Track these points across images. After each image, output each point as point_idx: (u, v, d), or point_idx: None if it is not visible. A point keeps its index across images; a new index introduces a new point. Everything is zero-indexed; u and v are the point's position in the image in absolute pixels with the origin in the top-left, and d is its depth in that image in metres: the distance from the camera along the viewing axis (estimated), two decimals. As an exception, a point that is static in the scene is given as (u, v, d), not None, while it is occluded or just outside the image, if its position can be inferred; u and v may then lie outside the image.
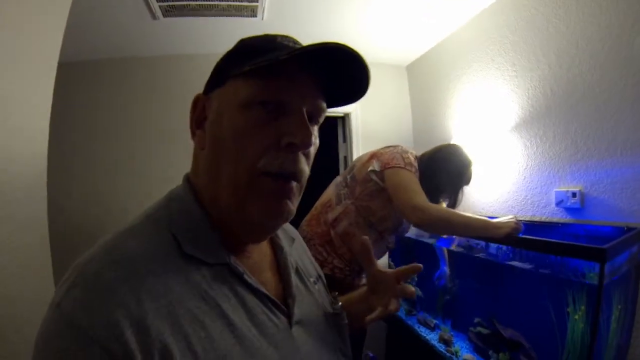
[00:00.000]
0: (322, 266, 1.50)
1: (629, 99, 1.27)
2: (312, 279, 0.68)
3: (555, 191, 1.55)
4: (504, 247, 1.57)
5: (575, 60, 1.48)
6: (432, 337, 1.82)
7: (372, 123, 2.78)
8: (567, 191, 1.48)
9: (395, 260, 2.42)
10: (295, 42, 0.53)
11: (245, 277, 0.50)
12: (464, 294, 1.85)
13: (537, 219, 1.66)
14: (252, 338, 0.46)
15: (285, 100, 0.47)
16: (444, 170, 1.59)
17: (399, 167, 1.47)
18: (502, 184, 1.90)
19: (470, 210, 2.12)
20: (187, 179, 0.55)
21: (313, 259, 0.79)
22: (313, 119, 0.51)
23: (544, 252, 1.32)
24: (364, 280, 1.64)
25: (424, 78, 2.68)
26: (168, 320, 0.39)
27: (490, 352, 1.48)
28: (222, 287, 0.47)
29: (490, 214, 1.95)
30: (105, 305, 0.36)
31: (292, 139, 0.47)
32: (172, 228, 0.47)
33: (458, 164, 1.63)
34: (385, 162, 1.51)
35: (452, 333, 1.77)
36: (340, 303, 0.68)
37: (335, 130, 2.95)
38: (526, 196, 1.74)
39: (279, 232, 0.65)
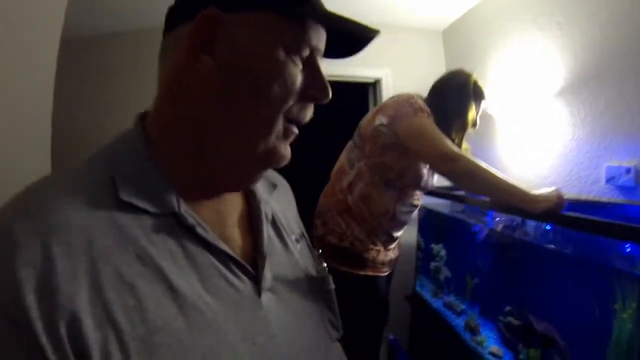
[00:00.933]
0: (340, 239, 1.41)
1: None
2: (294, 236, 0.58)
3: (606, 166, 1.33)
4: (544, 227, 1.39)
5: (631, 17, 1.22)
6: (457, 323, 1.70)
7: (404, 89, 2.58)
8: (620, 166, 1.27)
9: (425, 236, 2.27)
10: None
11: (198, 230, 0.41)
12: (496, 279, 1.69)
13: (583, 197, 1.45)
14: (203, 307, 0.38)
15: (315, 52, 0.46)
16: (445, 91, 1.44)
17: (409, 115, 1.32)
18: (545, 156, 1.68)
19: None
20: (142, 117, 0.47)
21: (297, 216, 0.68)
22: None
23: (591, 233, 1.13)
24: (390, 253, 1.52)
25: (461, 43, 2.44)
26: (86, 282, 0.32)
27: (519, 347, 1.34)
28: (166, 242, 0.39)
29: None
30: (10, 265, 0.30)
31: (319, 93, 0.46)
32: (112, 170, 0.40)
33: (457, 78, 1.45)
34: (392, 114, 1.35)
35: (479, 321, 1.64)
36: (325, 264, 0.59)
37: (366, 96, 2.79)
38: (572, 171, 1.52)
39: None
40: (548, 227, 1.39)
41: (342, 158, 1.54)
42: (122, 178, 0.39)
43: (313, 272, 0.57)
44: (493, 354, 1.41)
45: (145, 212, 0.39)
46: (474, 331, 1.58)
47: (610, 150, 1.33)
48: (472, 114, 1.41)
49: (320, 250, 0.63)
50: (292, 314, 0.48)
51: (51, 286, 0.30)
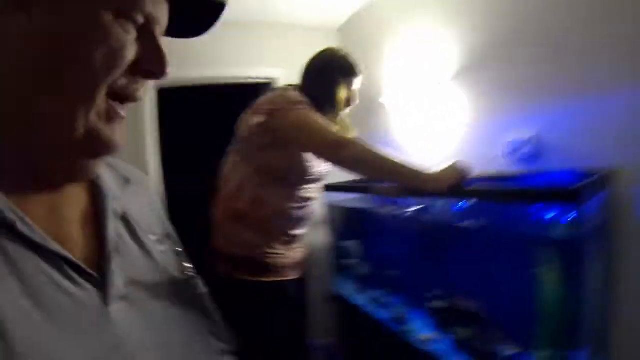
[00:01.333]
0: (239, 247, 1.32)
1: (590, 34, 1.11)
2: (154, 237, 0.50)
3: (507, 141, 1.39)
4: (453, 203, 1.39)
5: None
6: (384, 317, 1.63)
7: None
8: (520, 140, 1.33)
9: (336, 234, 2.19)
10: None
11: (19, 226, 0.33)
12: (416, 265, 1.67)
13: (490, 173, 1.50)
14: (27, 326, 0.30)
15: (152, 19, 0.39)
16: (310, 73, 1.41)
17: (285, 109, 1.24)
18: (447, 141, 1.73)
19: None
20: None
21: (164, 215, 0.59)
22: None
23: (504, 202, 1.14)
24: (295, 254, 1.42)
25: (357, 39, 2.49)
26: None
27: (450, 328, 1.31)
28: None
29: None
30: None
31: (154, 66, 0.40)
32: None
33: (320, 58, 1.43)
34: (268, 111, 1.27)
35: (407, 310, 1.60)
36: (190, 265, 0.53)
37: (255, 98, 2.66)
38: (474, 150, 1.58)
39: (105, 168, 0.48)
40: (458, 205, 1.40)
41: (227, 164, 1.44)
42: None
43: (179, 274, 0.49)
44: (424, 341, 1.37)
45: None
46: (402, 321, 1.53)
47: (509, 126, 1.40)
48: (341, 92, 1.37)
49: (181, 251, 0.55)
50: (155, 328, 0.41)
51: None
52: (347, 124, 1.51)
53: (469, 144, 1.60)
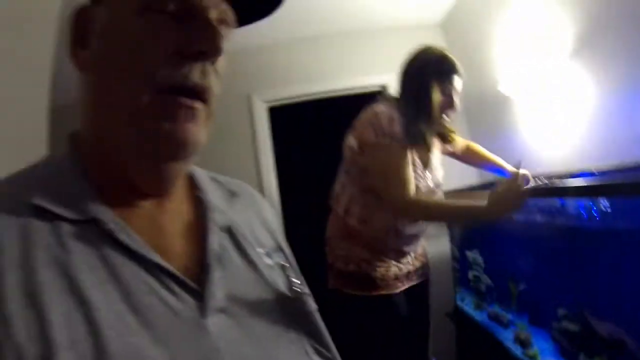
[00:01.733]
0: (346, 263, 1.34)
1: None
2: (262, 250, 0.49)
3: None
4: (591, 206, 1.16)
5: None
6: (506, 337, 1.44)
7: None
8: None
9: (457, 244, 2.04)
10: None
11: (121, 235, 0.35)
12: (544, 279, 1.43)
13: (628, 164, 1.21)
14: (122, 328, 0.31)
15: (190, 2, 0.39)
16: (405, 80, 1.35)
17: (372, 144, 1.24)
18: (573, 129, 1.46)
19: (541, 169, 1.69)
20: (73, 133, 0.44)
21: (278, 229, 0.58)
22: (222, 23, 0.41)
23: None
24: (405, 266, 1.39)
25: (462, 31, 2.31)
26: None
27: (581, 356, 1.08)
28: (84, 251, 0.34)
29: (566, 170, 1.51)
30: None
31: (201, 45, 0.38)
32: (30, 178, 0.39)
33: (414, 61, 1.34)
34: (359, 139, 1.29)
35: (530, 331, 1.38)
36: (302, 282, 0.49)
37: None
38: (606, 137, 1.29)
39: (210, 184, 0.50)
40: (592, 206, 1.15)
41: (337, 183, 1.46)
42: (38, 184, 0.37)
43: (286, 290, 0.46)
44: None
45: (62, 218, 0.35)
46: (525, 344, 1.33)
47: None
48: (436, 97, 1.26)
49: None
50: (254, 343, 0.38)
51: None
52: (450, 131, 1.43)
53: (601, 129, 1.31)
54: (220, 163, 1.98)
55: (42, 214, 0.34)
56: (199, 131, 0.40)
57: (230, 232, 0.46)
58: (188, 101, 0.38)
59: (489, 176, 2.10)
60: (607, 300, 1.10)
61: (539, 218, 1.42)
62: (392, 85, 2.42)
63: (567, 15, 1.38)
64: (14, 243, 0.32)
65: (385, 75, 2.43)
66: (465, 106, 2.43)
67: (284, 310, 0.44)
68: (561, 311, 1.24)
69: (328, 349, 0.46)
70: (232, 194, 0.52)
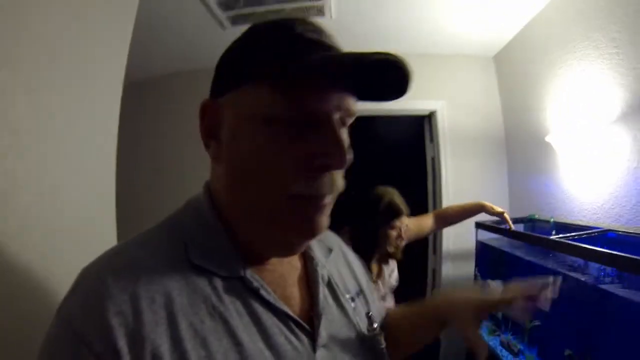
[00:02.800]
0: None
1: None
2: (348, 295, 0.59)
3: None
4: (608, 270, 1.28)
5: None
6: (514, 366, 1.57)
7: (459, 121, 2.56)
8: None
9: (482, 271, 2.16)
10: (317, 30, 0.44)
11: (262, 292, 0.45)
12: (557, 319, 1.55)
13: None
14: None
15: (322, 113, 0.41)
16: (360, 226, 1.56)
17: None
18: (607, 186, 1.55)
19: (568, 218, 1.78)
20: (208, 186, 0.51)
21: (360, 271, 0.70)
22: (343, 123, 0.45)
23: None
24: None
25: (514, 67, 2.35)
26: (166, 333, 0.37)
27: (577, 396, 1.21)
28: (234, 302, 0.43)
29: (593, 223, 1.61)
30: (102, 313, 0.36)
31: (327, 160, 0.41)
32: (185, 237, 0.45)
33: (364, 204, 1.59)
34: None
35: (537, 364, 1.51)
36: (376, 324, 0.58)
37: (421, 129, 2.78)
38: (638, 202, 1.38)
39: (313, 242, 0.58)
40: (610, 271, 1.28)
41: None
42: (193, 244, 0.44)
43: (365, 331, 0.57)
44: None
45: (215, 274, 0.43)
46: (530, 375, 1.46)
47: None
48: (390, 236, 1.56)
49: (370, 312, 0.62)
50: None
51: (140, 335, 0.35)
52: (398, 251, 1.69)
53: (632, 194, 1.41)
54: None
55: (198, 270, 0.42)
56: (326, 217, 0.46)
57: (329, 284, 0.56)
58: (316, 202, 0.44)
59: (521, 212, 2.20)
60: (608, 352, 1.22)
61: (560, 268, 1.54)
62: (442, 110, 2.53)
63: (617, 83, 1.46)
64: (181, 294, 0.40)
65: (436, 101, 2.51)
66: (507, 137, 2.51)
67: (362, 346, 0.54)
68: (567, 351, 1.37)
69: None
70: (329, 250, 0.62)
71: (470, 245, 2.25)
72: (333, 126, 0.41)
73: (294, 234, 0.46)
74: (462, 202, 2.42)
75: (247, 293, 0.44)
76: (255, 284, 0.45)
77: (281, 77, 0.40)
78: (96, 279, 0.38)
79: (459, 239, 2.46)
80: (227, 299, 0.42)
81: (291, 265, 0.54)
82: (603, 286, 1.28)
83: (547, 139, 1.94)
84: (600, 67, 1.55)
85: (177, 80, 2.70)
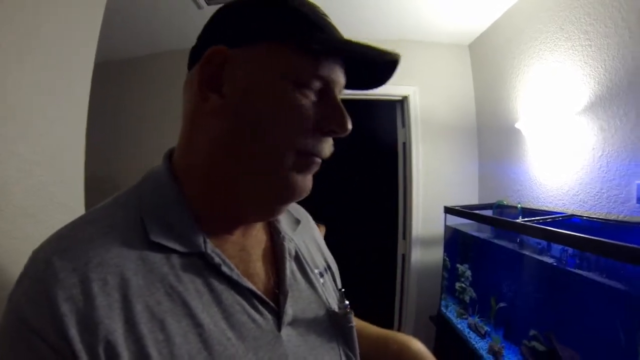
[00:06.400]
0: None
1: None
2: (317, 271, 0.58)
3: (638, 184, 1.25)
4: (570, 251, 1.33)
5: None
6: (481, 346, 1.63)
7: (432, 106, 2.58)
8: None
9: (450, 256, 2.21)
10: (325, 16, 0.47)
11: (224, 268, 0.43)
12: (521, 300, 1.61)
13: (613, 217, 1.37)
14: (225, 342, 0.39)
15: (331, 84, 0.45)
16: None
17: None
18: (573, 173, 1.61)
19: (535, 204, 1.85)
20: (169, 156, 0.49)
21: (326, 248, 0.68)
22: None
23: (618, 259, 1.07)
24: None
25: (488, 57, 2.39)
26: (121, 317, 0.35)
27: (542, 373, 1.27)
28: (194, 280, 0.41)
29: (558, 209, 1.68)
30: (51, 300, 0.33)
31: (336, 127, 0.44)
32: (141, 212, 0.43)
33: None
34: None
35: (503, 344, 1.57)
36: (347, 302, 0.57)
37: (393, 114, 2.78)
38: (601, 189, 1.44)
39: (282, 214, 0.56)
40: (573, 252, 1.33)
41: None
42: (150, 219, 0.42)
43: (335, 308, 0.55)
44: (516, 381, 1.35)
45: (173, 251, 0.41)
46: (497, 355, 1.52)
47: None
48: None
49: (342, 288, 0.61)
50: (309, 349, 0.48)
51: (92, 321, 0.34)
52: None
53: (597, 181, 1.47)
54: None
55: (155, 247, 0.40)
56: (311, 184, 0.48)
57: (297, 258, 0.54)
58: (318, 160, 0.46)
59: (490, 198, 2.27)
60: (571, 330, 1.28)
61: (525, 250, 1.59)
62: (414, 96, 2.55)
63: (587, 74, 1.51)
64: (137, 274, 0.38)
65: (409, 87, 2.52)
66: (478, 123, 2.56)
67: (332, 324, 0.52)
68: (532, 332, 1.43)
69: (355, 356, 0.54)
70: (296, 222, 0.60)
71: (440, 230, 2.30)
72: (337, 98, 0.45)
73: (290, 190, 0.45)
74: (432, 186, 2.50)
75: (208, 270, 0.42)
76: (217, 259, 0.43)
77: (310, 43, 0.42)
78: (43, 263, 0.36)
79: (428, 224, 2.51)
80: (186, 277, 0.40)
81: (256, 239, 0.52)
82: (566, 268, 1.34)
83: (517, 125, 2.00)
84: (572, 59, 1.59)
85: (154, 60, 2.61)
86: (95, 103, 1.08)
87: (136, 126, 2.61)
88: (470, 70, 2.60)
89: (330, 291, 0.58)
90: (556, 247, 1.42)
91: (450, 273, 2.17)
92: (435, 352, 1.85)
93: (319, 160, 0.46)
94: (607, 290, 1.17)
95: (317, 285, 0.55)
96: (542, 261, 1.48)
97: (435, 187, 2.55)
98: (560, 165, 1.69)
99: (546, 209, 1.75)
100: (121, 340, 0.34)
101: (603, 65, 1.43)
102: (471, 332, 1.77)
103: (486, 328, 1.73)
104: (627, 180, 1.32)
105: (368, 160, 3.47)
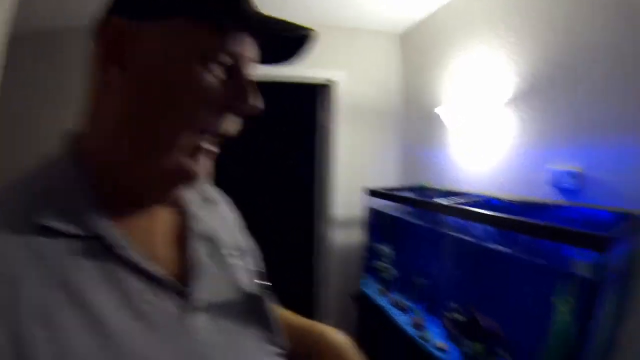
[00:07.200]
0: None
1: None
2: (232, 252, 0.54)
3: (552, 170, 1.39)
4: (489, 229, 1.43)
5: (586, 27, 1.31)
6: (403, 321, 1.69)
7: (359, 91, 2.61)
8: (565, 171, 1.33)
9: (372, 236, 2.27)
10: None
11: (125, 252, 0.38)
12: (442, 276, 1.71)
13: (529, 199, 1.52)
14: (127, 335, 0.35)
15: (241, 60, 0.42)
16: None
17: None
18: (493, 158, 1.75)
19: (458, 186, 1.98)
20: (69, 133, 0.44)
21: (239, 226, 0.64)
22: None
23: (534, 236, 1.17)
24: None
25: (419, 48, 2.49)
26: (6, 316, 0.30)
27: (464, 341, 1.36)
28: (88, 266, 0.36)
29: (479, 192, 1.81)
30: None
31: (243, 105, 0.43)
32: (32, 191, 0.38)
33: None
34: None
35: (425, 317, 1.65)
36: (266, 282, 0.55)
37: (318, 97, 2.74)
38: (519, 174, 1.59)
39: (191, 194, 0.54)
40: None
41: None
42: (41, 200, 0.37)
43: (251, 289, 0.52)
44: (439, 349, 1.42)
45: (66, 235, 0.36)
46: (419, 328, 1.59)
47: (556, 156, 1.40)
48: None
49: (260, 270, 0.58)
50: (226, 335, 0.44)
51: None
52: None
53: (515, 167, 1.61)
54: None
55: (46, 231, 0.35)
56: (211, 166, 0.45)
57: (208, 239, 0.51)
58: (214, 148, 0.44)
59: (411, 181, 2.38)
60: (490, 301, 1.39)
61: (446, 230, 1.69)
62: (342, 82, 2.55)
63: (512, 70, 1.64)
64: (23, 263, 0.33)
65: (337, 72, 2.52)
66: (405, 109, 2.66)
67: (248, 307, 0.50)
68: (453, 304, 1.53)
69: (277, 335, 0.51)
70: (207, 201, 0.57)
71: (360, 211, 2.35)
72: (249, 75, 0.44)
73: (178, 173, 0.42)
74: (353, 169, 2.55)
75: (105, 254, 0.38)
76: (116, 242, 0.38)
77: (222, 19, 0.40)
78: None
79: (349, 205, 2.55)
80: (80, 263, 0.36)
81: (164, 221, 0.48)
82: (485, 244, 1.44)
83: (438, 110, 2.11)
84: (500, 54, 1.72)
85: (69, 34, 2.32)
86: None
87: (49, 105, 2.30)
88: (400, 58, 2.68)
89: (247, 273, 0.55)
90: (475, 227, 1.52)
91: (371, 253, 2.23)
92: (358, 329, 1.89)
93: (214, 148, 0.44)
94: (523, 264, 1.29)
95: (231, 267, 0.52)
96: (462, 239, 1.59)
97: (357, 167, 2.59)
98: (482, 151, 1.82)
99: (466, 191, 1.88)
100: (2, 341, 0.29)
101: (527, 63, 1.57)
102: (393, 309, 1.83)
103: (408, 304, 1.81)
104: (542, 166, 1.47)
105: (289, 142, 3.43)
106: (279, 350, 0.51)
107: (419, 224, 1.96)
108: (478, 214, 1.37)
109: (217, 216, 0.58)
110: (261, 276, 0.57)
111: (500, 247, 1.38)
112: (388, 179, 2.64)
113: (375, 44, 2.65)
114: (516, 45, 1.63)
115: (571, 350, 0.98)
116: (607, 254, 0.92)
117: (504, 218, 1.24)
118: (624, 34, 1.18)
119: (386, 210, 2.21)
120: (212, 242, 0.52)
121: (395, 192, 2.10)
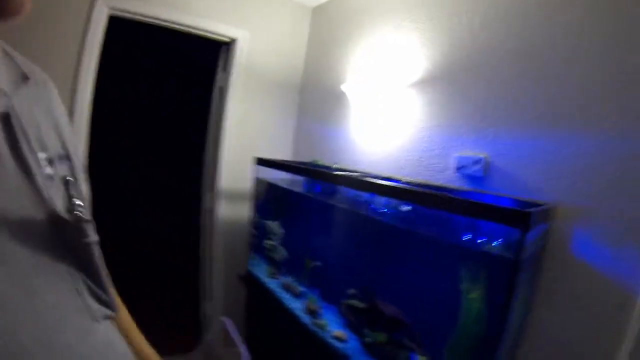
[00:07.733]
0: None
1: (551, 71, 1.15)
2: (43, 155, 0.39)
3: (457, 156, 1.39)
4: (393, 203, 1.36)
5: (499, 18, 1.32)
6: (296, 306, 1.56)
7: (260, 55, 2.38)
8: (470, 157, 1.33)
9: (259, 211, 2.06)
10: None
11: None
12: (339, 258, 1.62)
13: (430, 182, 1.50)
14: None
15: None
16: None
17: None
18: (395, 140, 1.70)
19: (355, 166, 1.90)
20: None
21: (68, 131, 0.48)
22: None
23: (452, 212, 1.09)
24: None
25: (330, 22, 2.35)
26: None
27: (365, 330, 1.28)
28: None
29: (377, 173, 1.75)
30: None
31: None
32: None
33: None
34: None
35: (320, 304, 1.54)
36: (83, 206, 0.41)
37: (216, 56, 2.44)
38: (421, 157, 1.56)
39: (1, 57, 0.40)
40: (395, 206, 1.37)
41: None
42: None
43: (64, 213, 0.38)
44: (337, 338, 1.32)
45: None
46: (314, 314, 1.47)
47: (462, 142, 1.40)
48: None
49: (79, 182, 0.44)
50: (11, 272, 0.30)
51: None
52: None
53: (419, 150, 1.58)
54: (36, 52, 1.43)
55: None
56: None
57: (7, 121, 0.36)
58: None
59: (304, 156, 2.24)
60: (392, 287, 1.34)
61: (344, 206, 1.60)
62: (243, 41, 2.28)
63: (424, 54, 1.59)
64: None
65: (240, 30, 2.28)
66: (302, 79, 2.51)
67: (57, 236, 0.37)
68: (351, 291, 1.44)
69: (105, 291, 0.40)
70: (23, 77, 0.43)
71: (249, 183, 2.14)
72: None
73: None
74: (245, 138, 2.33)
75: None
76: None
77: None
78: None
79: (238, 177, 2.32)
80: None
81: None
82: (385, 220, 1.38)
83: (342, 87, 2.00)
84: (412, 37, 1.66)
85: None
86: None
87: None
88: (308, 31, 2.54)
89: (61, 189, 0.41)
90: (373, 200, 1.45)
91: (259, 230, 2.03)
92: (247, 313, 1.69)
93: None
94: (430, 244, 1.25)
95: (36, 172, 0.37)
96: (360, 215, 1.50)
97: (248, 138, 2.38)
98: (385, 133, 1.76)
99: (362, 171, 1.81)
100: None
101: (439, 49, 1.53)
102: (284, 292, 1.68)
103: (300, 288, 1.68)
104: (446, 151, 1.46)
105: (181, 101, 3.03)
106: (104, 311, 0.40)
107: (312, 199, 1.83)
108: (373, 185, 1.28)
109: (35, 102, 0.43)
110: (79, 193, 0.43)
111: (405, 226, 1.33)
112: (281, 154, 2.47)
113: (286, 12, 2.46)
114: (429, 31, 1.59)
115: (481, 336, 0.96)
116: (527, 231, 0.88)
117: (417, 192, 1.15)
118: (534, 25, 1.20)
119: (277, 183, 2.02)
120: (12, 129, 0.35)
121: (285, 162, 1.92)
